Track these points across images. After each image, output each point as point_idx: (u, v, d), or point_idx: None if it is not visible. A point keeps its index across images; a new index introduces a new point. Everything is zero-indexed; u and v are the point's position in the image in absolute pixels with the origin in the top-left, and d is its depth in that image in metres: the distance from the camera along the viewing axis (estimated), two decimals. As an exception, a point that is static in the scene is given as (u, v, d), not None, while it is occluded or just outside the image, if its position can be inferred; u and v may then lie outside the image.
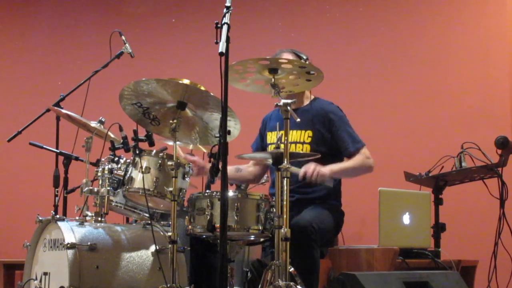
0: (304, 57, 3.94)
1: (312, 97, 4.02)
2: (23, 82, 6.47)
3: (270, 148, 3.96)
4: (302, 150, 3.83)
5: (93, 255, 3.33)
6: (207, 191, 3.29)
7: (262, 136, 4.14)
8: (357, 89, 5.62)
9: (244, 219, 3.19)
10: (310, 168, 3.55)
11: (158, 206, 3.70)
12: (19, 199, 6.13)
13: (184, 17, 6.28)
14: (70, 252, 3.28)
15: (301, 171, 3.56)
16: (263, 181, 4.42)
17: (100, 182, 3.63)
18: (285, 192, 3.02)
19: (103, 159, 3.68)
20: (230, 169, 4.05)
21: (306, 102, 3.99)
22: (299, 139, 3.87)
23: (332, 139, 3.87)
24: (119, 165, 3.65)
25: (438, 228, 4.02)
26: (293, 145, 3.83)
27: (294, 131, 3.86)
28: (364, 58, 5.67)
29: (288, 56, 3.83)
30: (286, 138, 3.07)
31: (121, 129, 3.62)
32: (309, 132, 3.88)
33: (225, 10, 2.78)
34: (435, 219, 4.02)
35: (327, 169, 3.62)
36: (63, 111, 4.08)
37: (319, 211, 3.73)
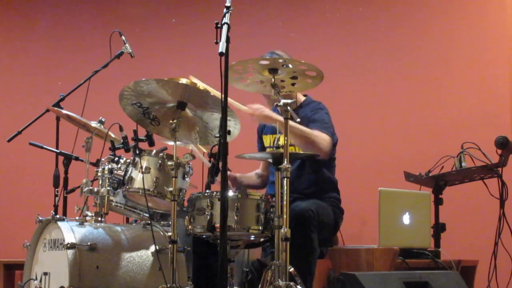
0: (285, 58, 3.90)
1: (303, 98, 4.01)
2: (23, 82, 6.45)
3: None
4: None
5: (93, 255, 3.33)
6: (207, 191, 3.29)
7: (260, 138, 4.18)
8: (357, 89, 5.61)
9: (244, 219, 3.19)
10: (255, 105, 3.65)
11: (158, 206, 3.70)
12: (19, 199, 6.12)
13: (184, 17, 6.27)
14: (70, 252, 3.28)
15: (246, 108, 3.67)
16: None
17: (100, 182, 3.63)
18: (285, 192, 3.02)
19: (103, 159, 3.68)
20: (251, 176, 4.19)
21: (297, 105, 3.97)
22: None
23: None
24: (119, 165, 3.65)
25: (438, 228, 4.02)
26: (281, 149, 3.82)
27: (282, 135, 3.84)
28: (364, 58, 5.66)
29: None
30: (286, 138, 3.07)
31: (121, 129, 3.63)
32: None
33: (225, 10, 2.78)
34: (435, 219, 4.02)
35: (274, 114, 3.65)
36: (63, 111, 4.08)
37: (318, 201, 3.77)
